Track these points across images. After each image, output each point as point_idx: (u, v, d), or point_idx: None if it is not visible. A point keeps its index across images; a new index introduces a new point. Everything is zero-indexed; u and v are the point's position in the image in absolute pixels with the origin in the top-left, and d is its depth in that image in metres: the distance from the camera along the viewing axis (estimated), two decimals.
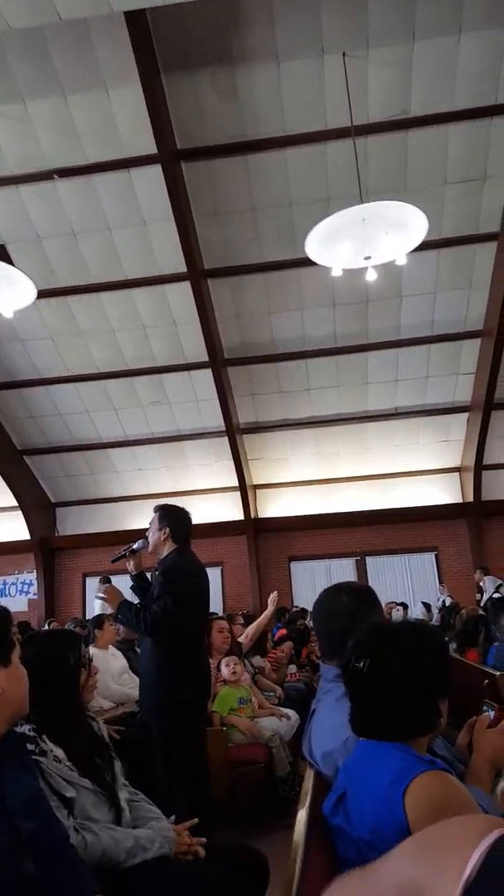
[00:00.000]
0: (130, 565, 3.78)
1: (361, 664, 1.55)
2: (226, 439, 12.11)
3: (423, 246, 7.05)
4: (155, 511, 3.83)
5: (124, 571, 3.93)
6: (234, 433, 12.03)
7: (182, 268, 9.49)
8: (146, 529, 3.87)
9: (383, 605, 8.78)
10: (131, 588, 3.81)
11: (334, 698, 1.97)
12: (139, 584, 3.80)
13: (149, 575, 3.90)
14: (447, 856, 0.80)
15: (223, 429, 11.88)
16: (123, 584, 4.02)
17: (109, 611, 5.07)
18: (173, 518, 3.77)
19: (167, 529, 3.72)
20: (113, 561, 3.87)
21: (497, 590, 10.48)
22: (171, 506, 3.87)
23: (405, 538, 13.23)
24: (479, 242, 9.58)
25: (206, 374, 11.10)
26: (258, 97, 8.04)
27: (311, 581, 13.03)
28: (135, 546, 3.78)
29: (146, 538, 3.79)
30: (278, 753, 4.31)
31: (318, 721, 2.04)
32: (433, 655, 1.59)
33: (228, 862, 2.06)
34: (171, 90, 7.93)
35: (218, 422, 11.81)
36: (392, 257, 6.70)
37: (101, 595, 3.77)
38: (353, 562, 13.40)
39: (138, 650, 5.90)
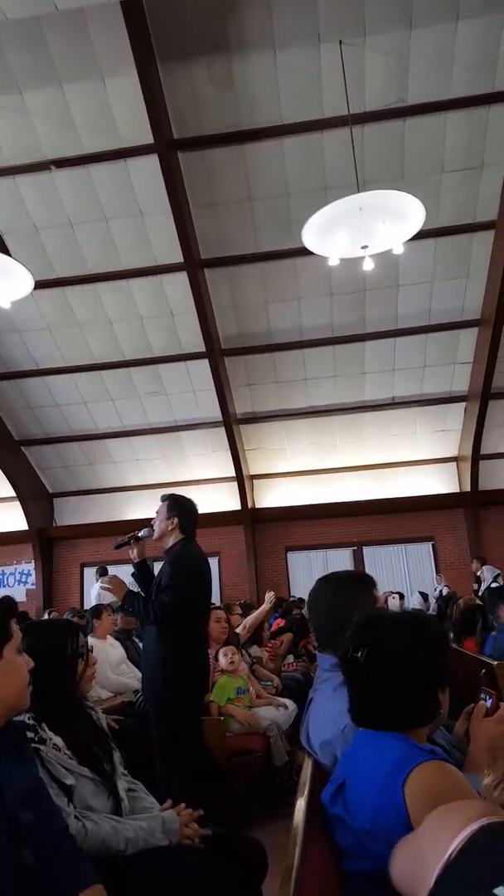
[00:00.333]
0: (134, 552, 3.75)
1: (359, 654, 1.54)
2: (223, 429, 12.10)
3: (421, 235, 7.02)
4: (163, 500, 3.82)
5: (121, 562, 3.93)
6: (231, 423, 12.02)
7: (179, 258, 9.46)
8: (145, 520, 3.86)
9: (381, 593, 8.80)
10: (132, 575, 3.80)
11: (331, 687, 1.98)
12: (141, 572, 3.78)
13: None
14: (441, 834, 0.88)
15: (220, 419, 11.87)
16: (120, 573, 4.01)
17: (107, 600, 5.06)
18: (182, 508, 3.76)
19: (175, 519, 3.71)
20: (116, 547, 3.84)
21: (495, 579, 10.52)
22: (180, 496, 3.86)
23: (402, 528, 13.25)
24: (477, 231, 9.55)
25: (203, 365, 11.08)
26: (255, 86, 7.99)
27: (308, 571, 13.07)
28: (140, 534, 3.75)
29: (152, 527, 3.76)
30: (276, 743, 4.32)
31: (315, 710, 2.05)
32: (433, 646, 1.59)
33: (227, 852, 2.07)
34: (167, 80, 7.88)
35: (215, 412, 11.80)
36: (389, 246, 6.68)
37: (106, 585, 3.76)
38: (350, 551, 13.43)
39: (136, 640, 5.93)
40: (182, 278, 9.77)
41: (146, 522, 3.87)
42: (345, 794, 1.51)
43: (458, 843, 0.83)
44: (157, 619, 3.45)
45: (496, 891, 0.70)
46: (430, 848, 0.89)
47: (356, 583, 2.22)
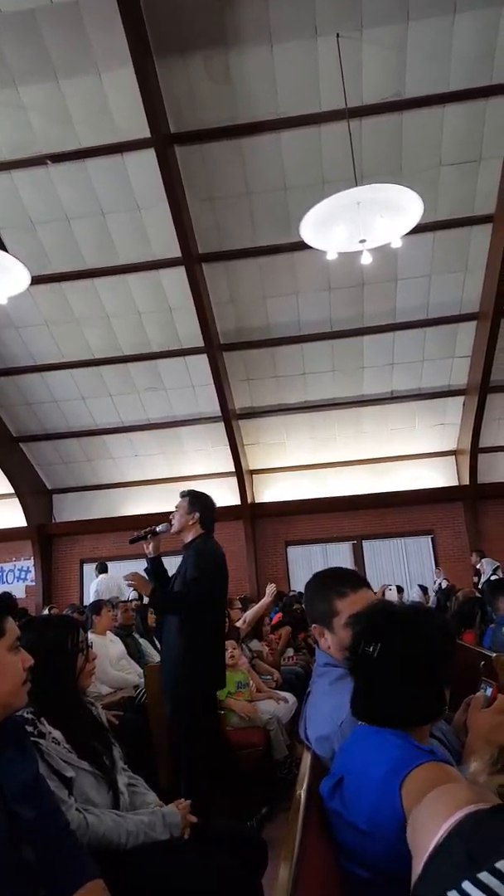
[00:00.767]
0: (150, 548, 3.75)
1: (372, 648, 1.53)
2: (222, 425, 12.10)
3: (419, 229, 7.02)
4: (183, 496, 3.86)
5: (121, 557, 3.94)
6: (231, 418, 12.02)
7: (177, 253, 9.45)
8: (145, 515, 3.88)
9: (376, 587, 8.82)
10: (145, 570, 3.82)
11: (328, 682, 1.97)
12: (155, 568, 3.77)
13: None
14: (431, 819, 0.92)
15: (219, 414, 11.87)
16: (120, 570, 4.02)
17: (107, 596, 5.07)
18: (203, 504, 3.81)
19: (197, 514, 3.75)
20: (132, 542, 3.83)
21: (494, 572, 10.53)
22: (200, 492, 3.90)
23: (401, 522, 13.26)
24: (475, 225, 9.54)
25: (202, 360, 11.07)
26: (252, 80, 7.97)
27: (308, 565, 13.07)
28: (158, 528, 3.77)
29: (170, 522, 3.79)
30: (276, 737, 4.34)
31: (312, 704, 2.04)
32: (445, 643, 1.59)
33: (226, 845, 2.08)
34: (164, 73, 7.84)
35: (214, 407, 11.79)
36: (387, 240, 6.67)
37: (131, 581, 3.78)
38: (350, 546, 13.44)
39: (136, 636, 5.95)
40: (180, 273, 9.75)
41: (146, 518, 3.89)
42: (343, 790, 1.50)
43: (446, 829, 0.86)
44: (184, 612, 3.50)
45: (480, 875, 0.73)
46: (422, 832, 0.92)
47: (313, 584, 2.18)
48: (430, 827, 0.89)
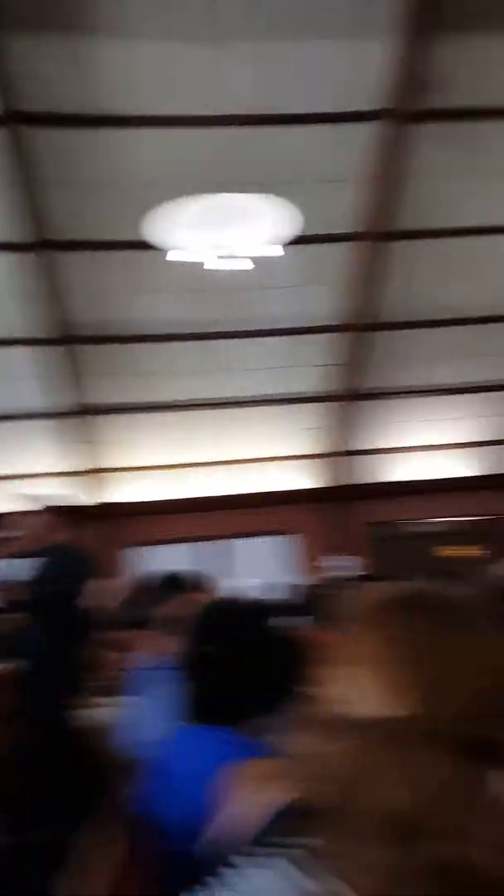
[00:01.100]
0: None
1: (210, 648, 1.54)
2: (71, 420, 11.73)
3: (284, 240, 7.11)
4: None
5: None
6: (82, 414, 11.67)
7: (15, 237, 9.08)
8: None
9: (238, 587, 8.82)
10: None
11: (149, 686, 1.97)
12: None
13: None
14: (244, 814, 0.97)
15: (68, 409, 11.48)
16: None
17: None
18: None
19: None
20: None
21: (349, 570, 10.81)
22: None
23: (264, 522, 13.28)
24: (338, 242, 9.80)
25: (48, 352, 10.68)
26: (113, 72, 7.75)
27: (166, 567, 12.73)
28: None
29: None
30: (100, 742, 4.31)
31: (133, 709, 2.03)
32: (279, 640, 1.61)
33: (26, 855, 2.00)
34: (13, 49, 7.44)
35: (62, 401, 11.37)
36: (252, 249, 6.77)
37: None
38: (212, 546, 13.31)
39: None
40: (16, 259, 9.42)
41: None
42: (166, 793, 1.49)
43: (253, 825, 0.91)
44: (52, 615, 3.52)
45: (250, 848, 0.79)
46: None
47: (134, 591, 2.19)
48: (240, 823, 0.93)
